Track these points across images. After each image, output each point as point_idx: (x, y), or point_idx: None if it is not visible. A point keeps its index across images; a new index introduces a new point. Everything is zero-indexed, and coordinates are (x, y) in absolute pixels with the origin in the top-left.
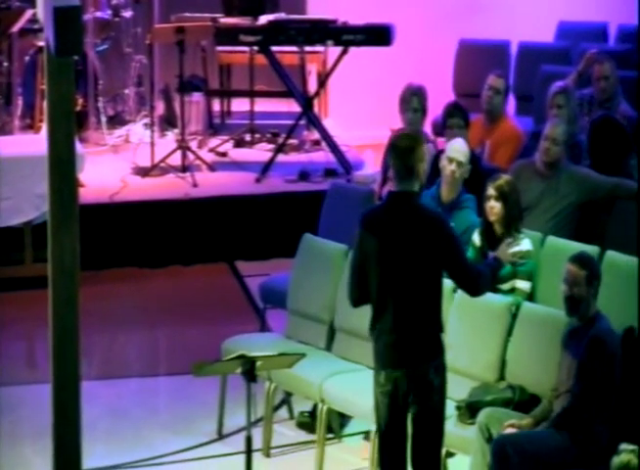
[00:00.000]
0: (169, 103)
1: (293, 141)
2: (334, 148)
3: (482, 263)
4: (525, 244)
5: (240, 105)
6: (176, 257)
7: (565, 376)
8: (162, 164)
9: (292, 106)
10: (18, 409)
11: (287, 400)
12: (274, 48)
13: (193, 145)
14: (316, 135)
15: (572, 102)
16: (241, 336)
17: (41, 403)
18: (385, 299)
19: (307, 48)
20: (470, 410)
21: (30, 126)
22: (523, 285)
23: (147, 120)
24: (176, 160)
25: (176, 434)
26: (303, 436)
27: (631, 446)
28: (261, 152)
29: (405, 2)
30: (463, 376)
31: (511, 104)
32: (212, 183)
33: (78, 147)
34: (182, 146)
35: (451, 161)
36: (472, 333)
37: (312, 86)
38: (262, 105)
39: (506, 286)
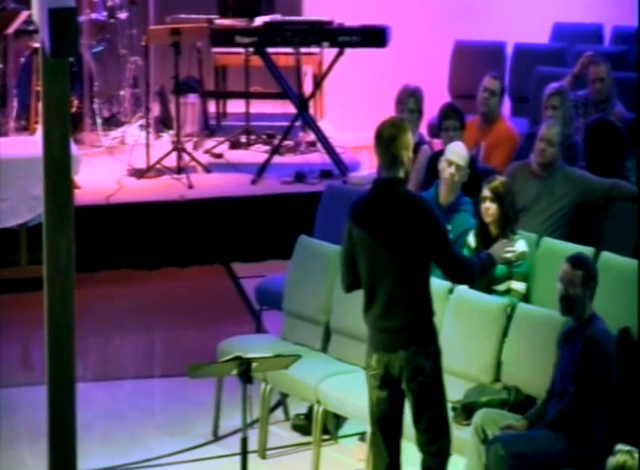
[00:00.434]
0: (165, 104)
1: (288, 142)
2: (329, 149)
3: (474, 256)
4: (520, 245)
5: (235, 106)
6: (172, 258)
7: (558, 377)
8: (158, 166)
9: (287, 107)
10: (14, 411)
11: (283, 402)
12: (270, 49)
13: (188, 146)
14: (312, 137)
15: (568, 103)
16: (237, 337)
17: (37, 405)
18: (374, 284)
19: (303, 49)
20: (465, 411)
21: (25, 128)
22: (518, 286)
23: (142, 122)
24: (172, 161)
25: (172, 435)
26: (299, 437)
27: (627, 447)
28: (257, 153)
29: (401, 4)
30: (458, 377)
31: (506, 105)
32: (208, 185)
33: (74, 149)
34: (178, 147)
35: (450, 163)
36: (467, 334)
37: (308, 88)
38: (258, 106)
39: (501, 287)
